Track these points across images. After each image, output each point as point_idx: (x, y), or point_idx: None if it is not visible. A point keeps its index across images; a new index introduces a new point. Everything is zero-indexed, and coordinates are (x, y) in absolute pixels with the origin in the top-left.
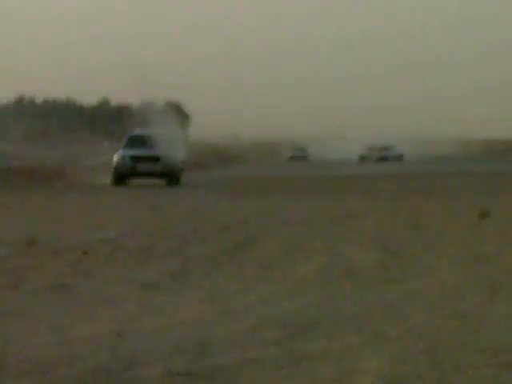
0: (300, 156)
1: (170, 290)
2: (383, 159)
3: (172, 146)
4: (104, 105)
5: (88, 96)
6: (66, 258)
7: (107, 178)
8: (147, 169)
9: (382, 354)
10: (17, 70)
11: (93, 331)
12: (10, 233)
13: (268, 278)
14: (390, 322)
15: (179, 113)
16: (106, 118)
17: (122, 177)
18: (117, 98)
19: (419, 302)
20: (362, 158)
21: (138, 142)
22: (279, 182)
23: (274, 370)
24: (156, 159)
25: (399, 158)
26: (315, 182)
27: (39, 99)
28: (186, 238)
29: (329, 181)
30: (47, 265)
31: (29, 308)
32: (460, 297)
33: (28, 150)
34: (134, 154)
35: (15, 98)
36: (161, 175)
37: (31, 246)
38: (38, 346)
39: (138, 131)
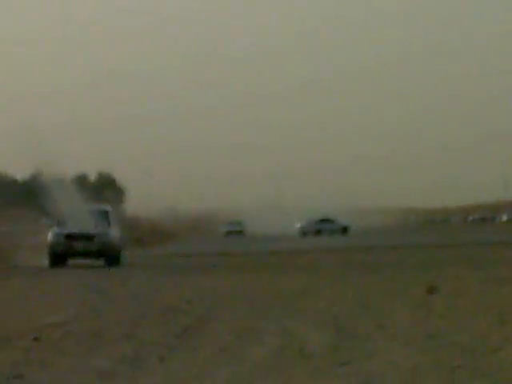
0: (236, 230)
1: (125, 378)
2: (324, 231)
3: (109, 222)
4: (38, 177)
5: (21, 168)
6: (17, 346)
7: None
8: (83, 248)
9: None
10: None
11: None
12: None
13: (223, 362)
14: None
15: (113, 187)
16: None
17: (58, 257)
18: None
19: None
20: (303, 232)
21: (72, 218)
22: (218, 259)
23: None
24: (91, 238)
25: (344, 230)
26: (256, 258)
27: None
28: (135, 321)
29: (271, 256)
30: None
31: None
32: (418, 380)
33: None
34: (69, 232)
35: None
36: (98, 255)
37: None
38: None
39: (71, 206)
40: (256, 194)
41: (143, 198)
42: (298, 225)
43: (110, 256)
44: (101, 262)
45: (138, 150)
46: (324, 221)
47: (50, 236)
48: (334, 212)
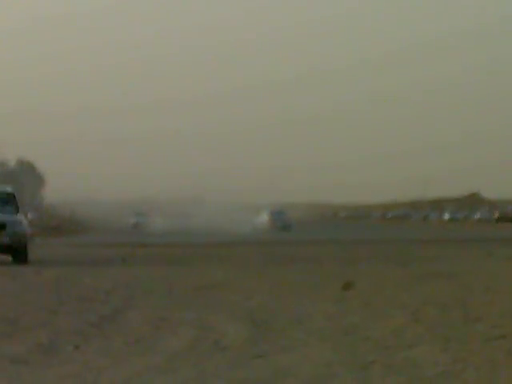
0: (141, 222)
1: (39, 365)
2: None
3: (17, 207)
4: None
5: None
6: None
7: None
8: None
9: None
10: None
11: None
12: None
13: (138, 352)
14: None
15: (33, 174)
16: None
17: None
18: None
19: (290, 380)
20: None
21: None
22: (131, 250)
23: None
24: (2, 227)
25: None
26: (170, 250)
27: None
28: (51, 309)
29: (188, 248)
30: None
31: None
32: (332, 374)
33: None
34: None
35: None
36: (7, 250)
37: None
38: None
39: None
40: (176, 186)
41: (64, 187)
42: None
43: (20, 250)
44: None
45: (61, 141)
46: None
47: None
48: (262, 207)
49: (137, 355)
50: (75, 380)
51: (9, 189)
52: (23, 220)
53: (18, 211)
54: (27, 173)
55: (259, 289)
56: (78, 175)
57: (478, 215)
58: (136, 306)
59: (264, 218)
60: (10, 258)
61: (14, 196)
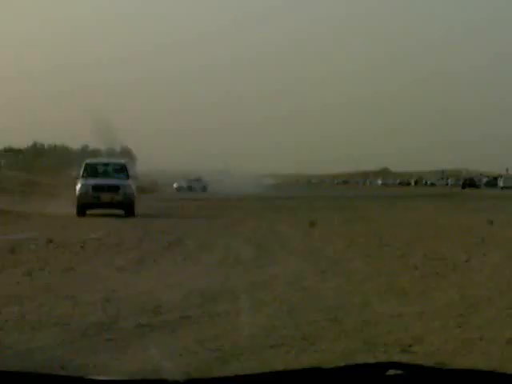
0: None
1: (133, 271)
2: (194, 189)
3: (127, 175)
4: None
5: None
6: (71, 251)
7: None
8: (110, 198)
9: None
10: None
11: (87, 297)
12: (35, 234)
13: (191, 263)
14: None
15: (130, 155)
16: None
17: (85, 207)
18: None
19: (279, 280)
20: (177, 189)
21: (94, 170)
22: (185, 203)
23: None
24: (116, 189)
25: (204, 188)
26: (210, 203)
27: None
28: (140, 238)
29: (193, 202)
30: (60, 255)
31: (52, 283)
32: (303, 277)
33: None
34: (96, 183)
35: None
36: (120, 206)
37: (49, 243)
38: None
39: (91, 160)
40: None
41: (146, 162)
42: (175, 184)
43: (129, 206)
44: (120, 211)
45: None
46: (195, 180)
47: (78, 187)
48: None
49: (191, 265)
50: (155, 279)
51: (122, 161)
52: (132, 184)
53: (128, 178)
54: (126, 155)
55: (260, 226)
56: (155, 154)
57: (397, 182)
58: (190, 236)
59: (184, 182)
60: (123, 212)
61: (126, 167)
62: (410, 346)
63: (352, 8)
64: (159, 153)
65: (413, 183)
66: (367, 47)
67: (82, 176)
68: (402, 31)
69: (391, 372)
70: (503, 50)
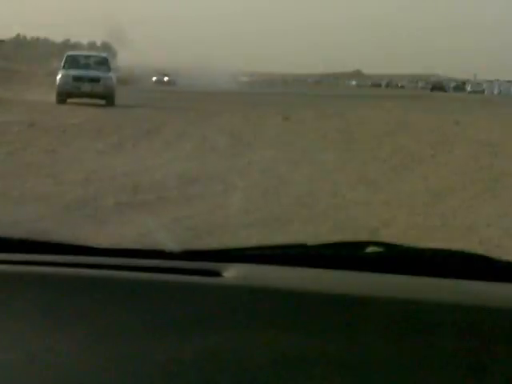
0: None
1: (112, 154)
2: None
3: (109, 67)
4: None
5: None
6: (52, 134)
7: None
8: (90, 89)
9: None
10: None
11: (68, 177)
12: (17, 118)
13: (167, 149)
14: None
15: (110, 50)
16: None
17: (65, 96)
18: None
19: (253, 166)
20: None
21: (76, 62)
22: (165, 95)
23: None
24: (97, 80)
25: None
26: (187, 95)
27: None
28: (120, 125)
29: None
30: (41, 137)
31: (35, 162)
32: (276, 168)
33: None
34: (76, 74)
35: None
36: (101, 97)
37: (31, 126)
38: None
39: (73, 52)
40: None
41: (128, 58)
42: (154, 78)
43: (110, 98)
44: (101, 101)
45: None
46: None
47: (58, 76)
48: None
49: (167, 150)
50: (134, 162)
51: (104, 54)
52: (113, 77)
53: (109, 70)
54: (106, 49)
55: (236, 118)
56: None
57: (369, 83)
58: (167, 125)
59: (161, 77)
60: (103, 102)
61: (107, 59)
62: (377, 229)
63: None
64: (139, 47)
65: (384, 85)
66: None
67: (63, 67)
68: None
69: (371, 249)
70: None
